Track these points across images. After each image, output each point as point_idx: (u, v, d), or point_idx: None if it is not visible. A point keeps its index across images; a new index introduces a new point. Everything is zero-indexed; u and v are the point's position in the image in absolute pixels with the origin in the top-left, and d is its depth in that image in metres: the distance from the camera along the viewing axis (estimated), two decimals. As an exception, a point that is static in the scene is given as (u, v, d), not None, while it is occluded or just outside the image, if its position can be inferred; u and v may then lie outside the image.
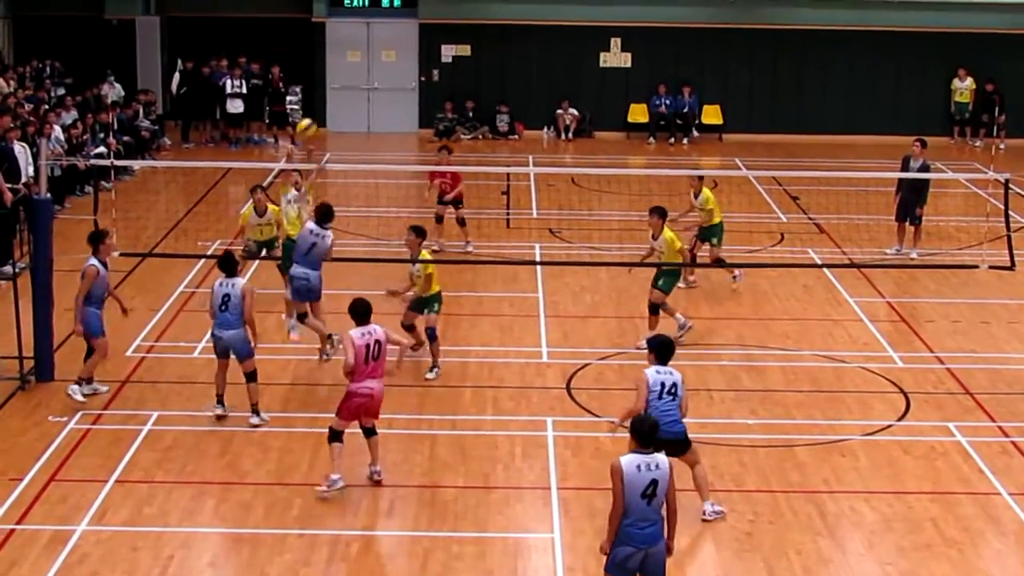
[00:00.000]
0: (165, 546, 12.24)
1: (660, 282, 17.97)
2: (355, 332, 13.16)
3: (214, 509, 13.05)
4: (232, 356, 15.11)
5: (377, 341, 13.18)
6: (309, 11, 34.90)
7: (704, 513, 12.87)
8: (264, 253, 19.41)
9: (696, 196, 20.52)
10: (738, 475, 13.96)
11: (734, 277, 20.77)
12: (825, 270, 21.40)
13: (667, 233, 17.89)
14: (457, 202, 22.45)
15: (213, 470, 13.93)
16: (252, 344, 15.15)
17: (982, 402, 16.11)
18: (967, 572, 12.07)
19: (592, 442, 14.77)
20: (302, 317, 16.90)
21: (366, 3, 35.09)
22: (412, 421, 15.30)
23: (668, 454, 11.56)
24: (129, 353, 17.38)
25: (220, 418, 15.19)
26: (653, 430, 10.30)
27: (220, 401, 15.32)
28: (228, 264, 15.28)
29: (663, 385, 12.55)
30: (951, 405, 16.08)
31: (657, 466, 10.15)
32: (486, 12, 34.79)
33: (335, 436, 13.30)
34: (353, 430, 13.44)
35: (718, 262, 20.46)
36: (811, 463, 14.32)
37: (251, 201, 19.41)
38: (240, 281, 15.20)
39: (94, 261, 15.50)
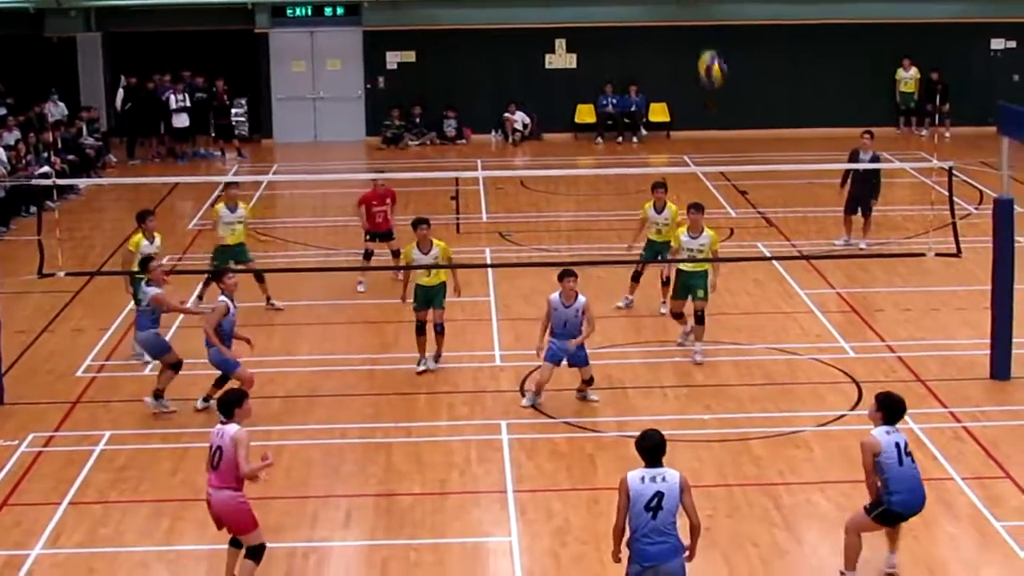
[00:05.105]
0: (121, 567, 12.16)
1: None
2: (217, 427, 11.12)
3: (170, 527, 12.95)
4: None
5: (219, 447, 10.97)
6: (252, 22, 34.70)
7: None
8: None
9: (660, 211, 18.83)
10: (696, 471, 13.95)
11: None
12: (775, 263, 21.47)
13: None
14: (390, 233, 20.77)
15: (168, 488, 13.83)
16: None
17: (934, 389, 16.21)
18: (922, 558, 12.16)
19: (547, 444, 14.78)
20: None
21: (309, 12, 34.95)
22: (367, 430, 15.26)
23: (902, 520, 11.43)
24: (79, 373, 17.26)
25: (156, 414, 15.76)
26: (657, 447, 10.09)
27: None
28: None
29: (898, 446, 11.19)
30: (903, 393, 15.73)
31: (664, 479, 10.02)
32: (430, 18, 34.69)
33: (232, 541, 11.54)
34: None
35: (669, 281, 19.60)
36: (766, 456, 14.38)
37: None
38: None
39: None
